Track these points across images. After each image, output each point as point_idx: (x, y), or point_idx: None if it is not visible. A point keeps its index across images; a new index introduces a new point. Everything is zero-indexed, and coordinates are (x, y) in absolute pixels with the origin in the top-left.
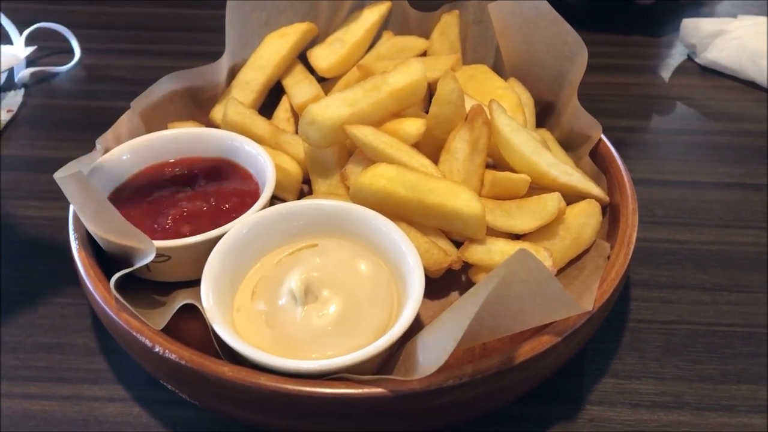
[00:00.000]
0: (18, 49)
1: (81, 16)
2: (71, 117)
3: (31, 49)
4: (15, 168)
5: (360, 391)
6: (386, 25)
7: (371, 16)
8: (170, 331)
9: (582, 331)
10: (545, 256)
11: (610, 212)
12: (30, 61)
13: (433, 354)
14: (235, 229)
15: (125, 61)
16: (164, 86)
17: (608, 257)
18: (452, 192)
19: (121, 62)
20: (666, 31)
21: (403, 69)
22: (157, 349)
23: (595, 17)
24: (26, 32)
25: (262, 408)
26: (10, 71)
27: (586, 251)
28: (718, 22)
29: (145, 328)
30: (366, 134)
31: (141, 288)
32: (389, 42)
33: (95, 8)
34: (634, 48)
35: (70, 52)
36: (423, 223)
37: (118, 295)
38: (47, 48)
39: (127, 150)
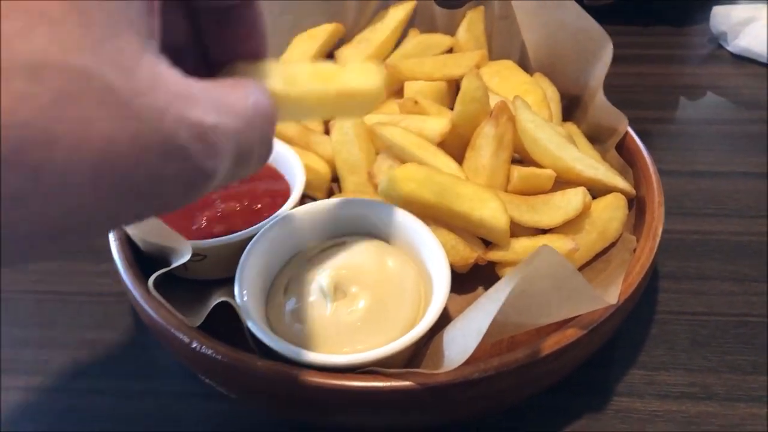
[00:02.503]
0: None
1: None
2: None
3: None
4: None
5: (389, 384)
6: (412, 22)
7: (397, 14)
8: (206, 328)
9: (607, 324)
10: (569, 242)
11: (637, 205)
12: None
13: (459, 348)
14: (266, 228)
15: None
16: None
17: (634, 250)
18: (479, 199)
19: None
20: (695, 19)
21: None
22: (194, 345)
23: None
24: None
25: (294, 401)
26: None
27: (612, 245)
28: (749, 8)
29: (183, 325)
30: (394, 134)
31: (178, 287)
32: (415, 40)
33: None
34: (663, 37)
35: None
36: (450, 223)
37: (157, 294)
38: None
39: None
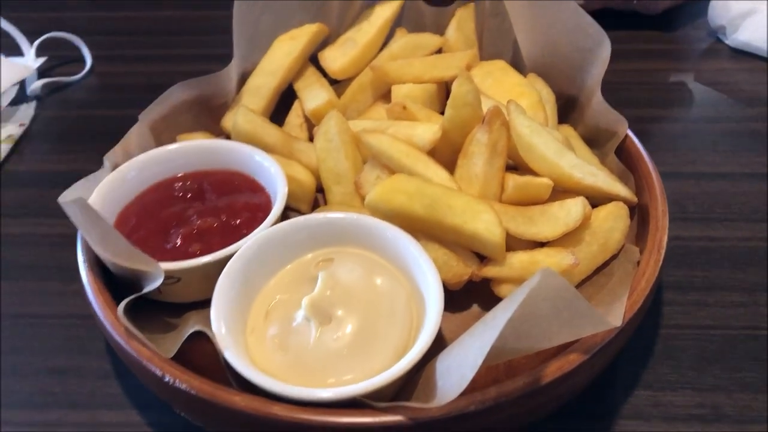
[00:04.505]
0: (29, 60)
1: (91, 24)
2: (85, 128)
3: (42, 59)
4: (28, 184)
5: (377, 419)
6: (399, 22)
7: (383, 13)
8: (183, 353)
9: (611, 347)
10: (569, 257)
11: (639, 213)
12: (41, 72)
13: (453, 379)
14: (245, 247)
15: (138, 67)
16: (173, 96)
17: (638, 263)
18: (472, 211)
19: (134, 69)
20: (692, 13)
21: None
22: (167, 379)
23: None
24: (36, 42)
25: None
26: (22, 83)
27: (614, 257)
28: (748, 1)
29: (155, 356)
30: (381, 142)
31: (152, 310)
32: (403, 40)
33: (105, 14)
34: (659, 32)
35: (82, 60)
36: (441, 238)
37: (127, 323)
38: (58, 57)
39: (134, 167)
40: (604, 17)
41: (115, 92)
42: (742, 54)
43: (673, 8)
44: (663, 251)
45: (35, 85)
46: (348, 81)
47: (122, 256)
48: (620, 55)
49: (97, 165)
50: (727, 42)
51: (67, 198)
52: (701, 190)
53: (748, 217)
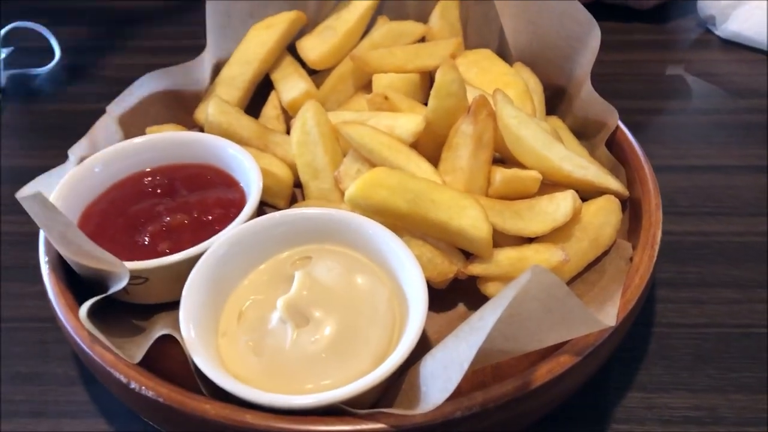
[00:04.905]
0: None
1: (60, 13)
2: (53, 122)
3: (7, 50)
4: None
5: (357, 427)
6: (380, 9)
7: (364, 0)
8: (152, 357)
9: (604, 348)
10: (559, 253)
11: (631, 206)
12: (7, 64)
13: (438, 384)
14: (217, 245)
15: (109, 59)
16: (142, 88)
17: (630, 259)
18: (458, 206)
19: (104, 60)
20: (683, 6)
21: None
22: (132, 386)
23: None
24: (2, 32)
25: None
26: None
27: (605, 253)
28: None
29: (120, 362)
30: (362, 134)
31: (119, 313)
32: (384, 28)
33: (73, 4)
34: (648, 22)
35: (50, 51)
36: (426, 234)
37: (89, 325)
38: (25, 49)
39: (100, 161)
40: (595, 10)
41: (84, 85)
42: (732, 44)
43: (664, 5)
44: (657, 247)
45: (1, 77)
46: (327, 71)
47: (85, 254)
48: (610, 46)
49: (65, 160)
50: (716, 32)
51: (25, 193)
52: (693, 183)
53: (742, 211)
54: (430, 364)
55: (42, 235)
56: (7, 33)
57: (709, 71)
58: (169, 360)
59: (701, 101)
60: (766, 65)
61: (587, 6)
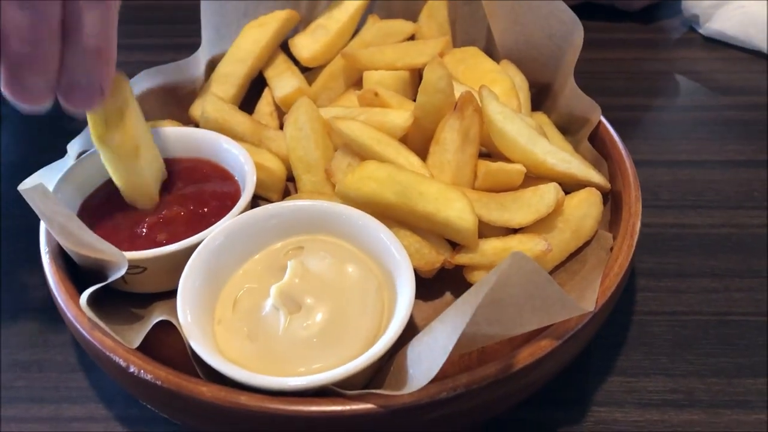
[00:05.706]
0: None
1: None
2: (48, 118)
3: None
4: None
5: (348, 407)
6: (371, 9)
7: (355, 0)
8: (150, 345)
9: (584, 333)
10: (541, 243)
11: (612, 199)
12: None
13: (424, 366)
14: (212, 236)
15: None
16: (139, 84)
17: (611, 249)
18: (444, 198)
19: None
20: (670, 7)
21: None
22: (131, 369)
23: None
24: None
25: (245, 428)
26: None
27: (587, 243)
28: None
29: (119, 347)
30: (353, 129)
31: (118, 301)
32: (374, 27)
33: None
34: (633, 20)
35: None
36: (414, 225)
37: (90, 313)
38: None
39: (99, 155)
40: (582, 11)
41: None
42: (715, 43)
43: (651, 6)
44: (636, 236)
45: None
46: (319, 69)
47: (85, 245)
48: (595, 43)
49: (62, 154)
50: (700, 31)
51: (27, 185)
52: (673, 177)
53: (721, 204)
54: (416, 348)
55: (43, 226)
56: None
57: (692, 69)
58: (166, 348)
59: (684, 98)
60: (746, 63)
61: (576, 7)
